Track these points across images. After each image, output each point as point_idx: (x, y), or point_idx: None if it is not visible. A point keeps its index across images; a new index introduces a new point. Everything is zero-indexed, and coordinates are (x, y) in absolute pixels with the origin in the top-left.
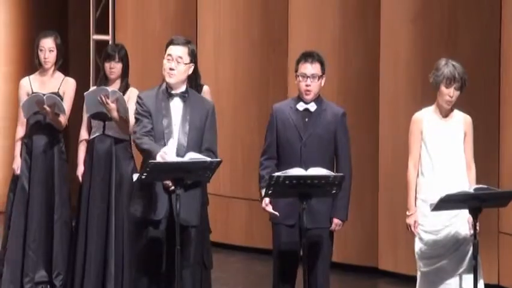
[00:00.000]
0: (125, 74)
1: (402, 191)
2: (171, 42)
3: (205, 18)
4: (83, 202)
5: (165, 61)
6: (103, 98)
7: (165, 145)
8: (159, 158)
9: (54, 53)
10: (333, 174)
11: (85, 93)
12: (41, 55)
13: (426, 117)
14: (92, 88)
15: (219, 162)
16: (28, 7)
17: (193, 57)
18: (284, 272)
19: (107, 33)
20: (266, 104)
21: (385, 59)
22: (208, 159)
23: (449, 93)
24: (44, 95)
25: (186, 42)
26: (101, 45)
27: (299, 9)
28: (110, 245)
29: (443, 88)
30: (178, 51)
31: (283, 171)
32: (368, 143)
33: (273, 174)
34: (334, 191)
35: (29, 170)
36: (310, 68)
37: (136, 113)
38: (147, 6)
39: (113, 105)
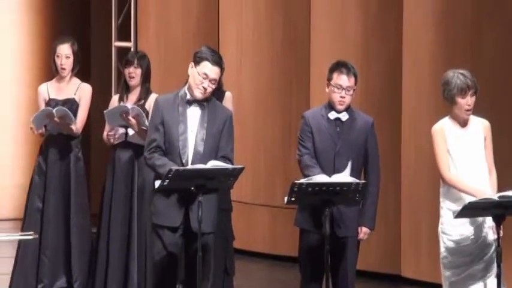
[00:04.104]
0: (145, 80)
1: (424, 198)
2: (207, 59)
3: (227, 25)
4: (105, 208)
5: (198, 76)
6: (124, 116)
7: (180, 152)
8: None
9: (71, 60)
10: (356, 181)
11: (105, 112)
12: (58, 61)
13: (447, 128)
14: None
15: (241, 169)
16: (50, 15)
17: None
18: (311, 280)
19: (128, 40)
20: (289, 111)
21: (407, 65)
22: (231, 166)
23: (467, 102)
24: (56, 104)
25: (222, 63)
26: (122, 52)
27: (321, 18)
28: (131, 251)
29: (460, 100)
30: (215, 73)
31: (307, 178)
32: (390, 149)
33: (296, 181)
34: (357, 198)
35: (45, 177)
36: (347, 81)
37: (149, 121)
38: (169, 13)
39: (134, 121)
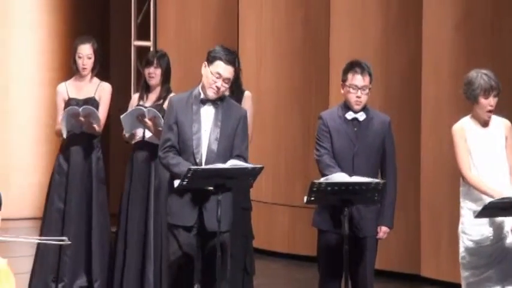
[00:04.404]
0: (165, 80)
1: (444, 197)
2: (220, 58)
3: (246, 24)
4: (123, 208)
5: (211, 76)
6: (140, 119)
7: (193, 151)
8: None
9: (92, 60)
10: (375, 180)
11: (121, 116)
12: (79, 62)
13: (467, 127)
14: (130, 107)
15: (260, 169)
16: (70, 14)
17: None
18: (330, 280)
19: (148, 39)
20: (308, 110)
21: (427, 65)
22: (250, 165)
23: (490, 103)
24: (76, 104)
25: (235, 62)
26: (142, 51)
27: (341, 15)
28: (148, 252)
29: (482, 100)
30: (228, 72)
31: (325, 178)
32: (410, 149)
33: (315, 181)
34: (376, 198)
35: (66, 177)
36: (361, 80)
37: (164, 121)
38: (189, 12)
39: (150, 123)
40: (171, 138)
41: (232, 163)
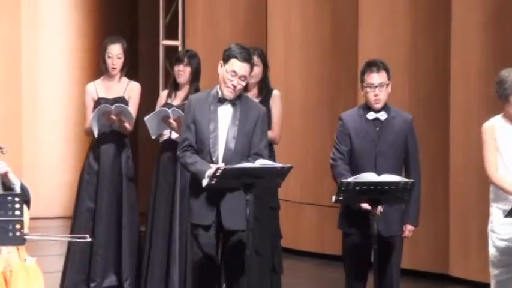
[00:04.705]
0: (194, 79)
1: (473, 197)
2: (235, 57)
3: (275, 24)
4: (150, 207)
5: (227, 75)
6: (165, 120)
7: (210, 150)
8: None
9: (122, 60)
10: (404, 180)
11: (145, 118)
12: (109, 62)
13: (497, 126)
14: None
15: (289, 168)
16: (99, 14)
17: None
18: (356, 280)
19: (176, 38)
20: (337, 109)
21: (456, 65)
22: (279, 164)
23: None
24: (112, 104)
25: (251, 59)
26: (170, 50)
27: (369, 15)
28: (173, 251)
29: None
30: (244, 70)
31: (354, 177)
32: (439, 149)
33: (343, 180)
34: (405, 197)
35: (97, 176)
36: (377, 77)
37: (183, 121)
38: (217, 12)
39: (175, 124)
40: (188, 137)
41: (262, 162)
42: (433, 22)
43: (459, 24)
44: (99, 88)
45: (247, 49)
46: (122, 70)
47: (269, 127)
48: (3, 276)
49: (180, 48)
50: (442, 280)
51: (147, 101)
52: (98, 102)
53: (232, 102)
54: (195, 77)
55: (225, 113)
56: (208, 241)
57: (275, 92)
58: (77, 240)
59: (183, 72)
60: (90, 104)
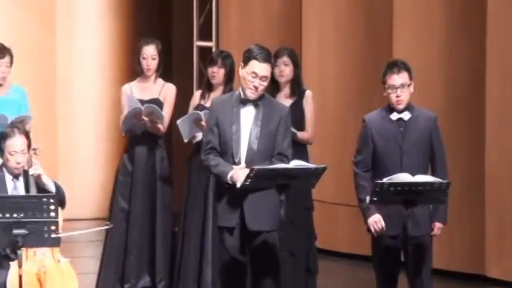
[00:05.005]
0: (228, 80)
1: (510, 196)
2: (255, 58)
3: (309, 24)
4: (183, 208)
5: (248, 76)
6: (197, 123)
7: (232, 152)
8: (229, 180)
9: (156, 61)
10: (439, 180)
11: (178, 122)
12: (144, 63)
13: None
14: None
15: (324, 169)
16: (132, 15)
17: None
18: (387, 282)
19: (210, 39)
20: (372, 109)
21: (491, 65)
22: (313, 165)
23: None
24: (142, 104)
25: (271, 59)
26: (204, 51)
27: (403, 15)
28: (206, 252)
29: None
30: (264, 70)
31: (388, 178)
32: (474, 149)
33: (378, 181)
34: (441, 198)
35: (131, 177)
36: (398, 79)
37: (206, 124)
38: (251, 12)
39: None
40: (211, 140)
41: (296, 163)
42: (468, 21)
43: (495, 24)
44: (134, 89)
45: (266, 49)
46: (157, 71)
47: (302, 128)
48: (37, 278)
49: (213, 49)
50: (478, 281)
51: (181, 103)
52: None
53: (255, 103)
54: (228, 78)
55: (248, 114)
56: (232, 243)
57: (308, 92)
58: (99, 228)
59: (217, 74)
60: (126, 104)
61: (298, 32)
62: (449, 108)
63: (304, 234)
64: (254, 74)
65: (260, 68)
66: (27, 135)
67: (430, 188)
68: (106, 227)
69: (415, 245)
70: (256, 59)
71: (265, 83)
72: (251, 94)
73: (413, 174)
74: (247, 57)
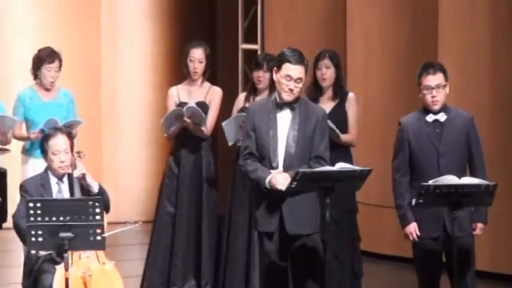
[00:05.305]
0: (274, 84)
1: None
2: (288, 61)
3: (354, 28)
4: (228, 212)
5: (282, 80)
6: (242, 125)
7: (270, 156)
8: (268, 185)
9: (203, 64)
10: (485, 182)
11: (223, 124)
12: (191, 65)
13: None
14: (236, 108)
15: (369, 171)
16: (177, 19)
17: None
18: (429, 284)
19: (255, 42)
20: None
21: None
22: (358, 168)
23: None
24: (182, 106)
25: (304, 60)
26: (249, 54)
27: (449, 20)
28: (252, 254)
29: None
30: (298, 72)
31: (433, 180)
32: None
33: (424, 184)
34: (487, 200)
35: (177, 180)
36: (433, 79)
37: (243, 129)
38: (296, 15)
39: None
40: (249, 145)
41: (341, 166)
42: None
43: None
44: (181, 93)
45: (299, 51)
46: (203, 75)
47: (345, 130)
48: (83, 281)
49: (258, 52)
50: None
51: (226, 106)
52: (180, 106)
53: (291, 106)
54: (274, 82)
55: (284, 118)
56: (272, 248)
57: (350, 95)
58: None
59: (262, 78)
60: (172, 108)
61: (343, 33)
62: (494, 110)
63: (348, 236)
64: (288, 77)
65: (294, 70)
66: (69, 135)
67: (477, 190)
68: (135, 225)
69: (458, 247)
70: (289, 61)
71: (300, 85)
72: (287, 97)
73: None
74: (280, 61)
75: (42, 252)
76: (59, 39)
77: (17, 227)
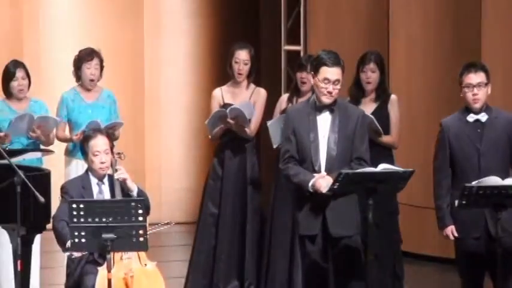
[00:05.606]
0: None
1: None
2: (324, 64)
3: (397, 28)
4: (270, 213)
5: (321, 83)
6: None
7: (312, 159)
8: (311, 188)
9: (248, 66)
10: None
11: (268, 124)
12: (236, 67)
13: None
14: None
15: (411, 172)
16: (219, 18)
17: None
18: (472, 285)
19: (298, 43)
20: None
21: None
22: (401, 169)
23: None
24: (226, 108)
25: (340, 61)
26: (292, 55)
27: (492, 22)
28: (296, 255)
29: None
30: (336, 74)
31: (476, 181)
32: None
33: (467, 185)
34: None
35: (221, 181)
36: (475, 77)
37: (282, 132)
38: (339, 16)
39: None
40: (289, 149)
41: (384, 167)
42: None
43: None
44: (225, 94)
45: (334, 53)
46: (249, 77)
47: (387, 131)
48: (124, 282)
49: (301, 53)
50: None
51: (269, 108)
52: (224, 108)
53: (330, 109)
54: None
55: (324, 121)
56: (315, 250)
57: (393, 97)
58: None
59: (306, 80)
60: (215, 109)
61: (385, 33)
62: None
63: (389, 238)
64: (327, 80)
65: (331, 72)
66: (108, 136)
67: None
68: (166, 226)
69: (502, 247)
70: (326, 64)
71: (339, 86)
72: (327, 100)
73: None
74: (317, 65)
75: (75, 254)
76: (102, 39)
77: (54, 229)
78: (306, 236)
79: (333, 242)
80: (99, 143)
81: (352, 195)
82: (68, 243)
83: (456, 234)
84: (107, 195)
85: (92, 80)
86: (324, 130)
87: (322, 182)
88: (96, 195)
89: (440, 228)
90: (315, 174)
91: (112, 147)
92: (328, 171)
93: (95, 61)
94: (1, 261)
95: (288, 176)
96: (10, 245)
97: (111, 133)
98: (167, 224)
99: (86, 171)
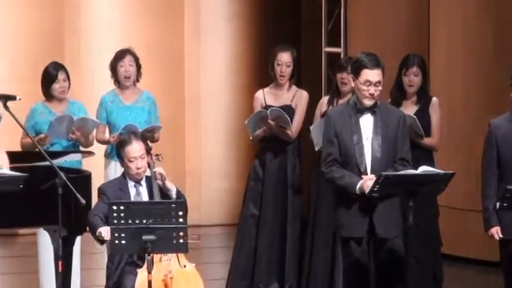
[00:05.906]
0: None
1: None
2: (365, 66)
3: (437, 30)
4: (311, 215)
5: (362, 86)
6: None
7: (357, 162)
8: (358, 191)
9: (291, 68)
10: None
11: (311, 127)
12: (278, 69)
13: None
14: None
15: (452, 174)
16: (260, 19)
17: None
18: None
19: (338, 45)
20: (500, 115)
21: None
22: (441, 171)
23: None
24: (267, 109)
25: (380, 63)
26: (332, 57)
27: None
28: (337, 260)
29: None
30: (377, 76)
31: None
32: None
33: (508, 187)
34: None
35: (262, 183)
36: None
37: (323, 135)
38: (379, 18)
39: None
40: (332, 152)
41: (424, 169)
42: None
43: None
44: (267, 96)
45: (373, 55)
46: (291, 79)
47: (428, 134)
48: (164, 283)
49: (342, 55)
50: None
51: (310, 110)
52: (265, 109)
53: (372, 110)
54: None
55: (367, 123)
56: (359, 252)
57: (434, 99)
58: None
59: (347, 80)
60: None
61: (426, 35)
62: None
63: (429, 240)
64: (368, 82)
65: (372, 74)
66: (144, 140)
67: None
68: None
69: None
70: (366, 67)
71: (380, 88)
72: (368, 102)
73: None
74: (358, 68)
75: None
76: (143, 40)
77: (88, 222)
78: (352, 238)
79: (376, 243)
80: (135, 149)
81: (394, 197)
82: (99, 230)
83: (501, 235)
84: (144, 197)
85: (127, 77)
86: (367, 132)
87: (370, 184)
88: (133, 198)
89: (485, 229)
90: (363, 176)
91: (149, 149)
92: (374, 172)
93: (128, 58)
94: (43, 262)
95: (332, 178)
96: (51, 246)
97: (150, 136)
98: (197, 239)
99: (123, 174)
